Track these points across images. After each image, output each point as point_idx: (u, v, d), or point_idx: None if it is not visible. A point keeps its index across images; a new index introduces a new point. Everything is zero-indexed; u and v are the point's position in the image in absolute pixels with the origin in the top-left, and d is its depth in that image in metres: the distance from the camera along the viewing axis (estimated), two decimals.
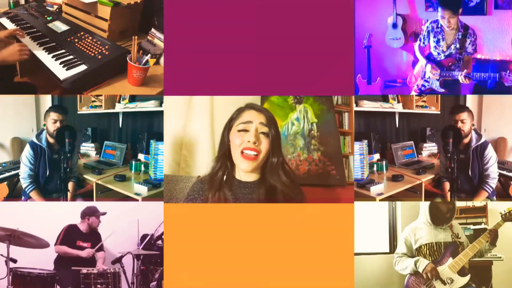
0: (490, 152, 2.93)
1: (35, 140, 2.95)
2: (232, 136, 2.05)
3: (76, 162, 3.15)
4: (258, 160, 2.01)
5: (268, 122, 2.05)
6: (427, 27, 2.92)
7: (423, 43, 2.95)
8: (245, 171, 2.04)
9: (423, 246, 2.54)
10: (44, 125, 2.98)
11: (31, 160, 2.93)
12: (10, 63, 2.64)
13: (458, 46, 2.86)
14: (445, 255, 2.49)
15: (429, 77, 2.88)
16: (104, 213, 2.98)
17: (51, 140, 2.95)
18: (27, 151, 2.93)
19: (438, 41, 2.88)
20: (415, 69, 2.99)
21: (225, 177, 2.05)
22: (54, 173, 2.93)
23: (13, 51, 2.58)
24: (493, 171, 2.93)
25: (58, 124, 2.93)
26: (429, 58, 2.94)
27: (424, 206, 2.61)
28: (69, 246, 2.93)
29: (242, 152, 2.00)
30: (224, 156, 2.07)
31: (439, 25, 2.86)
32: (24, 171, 2.93)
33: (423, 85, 2.93)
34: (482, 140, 2.94)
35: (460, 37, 2.84)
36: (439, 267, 2.45)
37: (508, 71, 2.72)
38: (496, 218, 2.83)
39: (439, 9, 2.79)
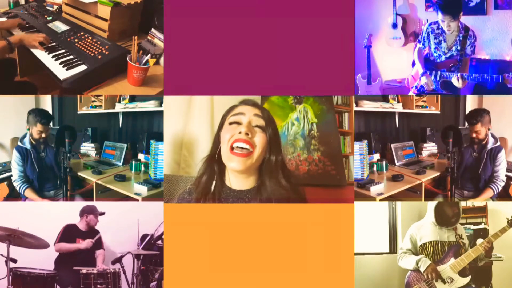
0: (502, 156, 2.99)
1: (20, 144, 3.01)
2: (222, 132, 1.79)
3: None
4: (252, 158, 1.72)
5: (264, 116, 1.79)
6: (427, 28, 2.91)
7: (423, 45, 2.94)
8: (235, 171, 1.74)
9: (427, 244, 2.55)
10: (28, 129, 3.01)
11: (19, 162, 2.98)
12: (26, 46, 2.66)
13: (459, 47, 2.85)
14: (447, 255, 2.50)
15: (422, 86, 2.88)
16: (103, 213, 2.98)
17: (34, 142, 3.01)
18: (14, 156, 2.99)
19: (439, 43, 2.87)
20: (413, 69, 2.99)
21: (213, 185, 1.78)
22: (43, 171, 2.99)
23: (32, 37, 2.63)
24: (502, 173, 2.98)
25: (43, 135, 3.00)
26: (428, 60, 2.94)
27: (431, 206, 2.62)
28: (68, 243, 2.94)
29: (232, 148, 1.71)
30: (211, 158, 1.81)
31: (440, 27, 2.85)
32: (15, 173, 2.98)
33: (421, 86, 2.92)
34: (497, 144, 3.00)
35: (461, 38, 2.84)
36: (440, 266, 2.46)
37: (511, 73, 2.71)
38: (496, 218, 2.84)
39: (439, 13, 2.78)
